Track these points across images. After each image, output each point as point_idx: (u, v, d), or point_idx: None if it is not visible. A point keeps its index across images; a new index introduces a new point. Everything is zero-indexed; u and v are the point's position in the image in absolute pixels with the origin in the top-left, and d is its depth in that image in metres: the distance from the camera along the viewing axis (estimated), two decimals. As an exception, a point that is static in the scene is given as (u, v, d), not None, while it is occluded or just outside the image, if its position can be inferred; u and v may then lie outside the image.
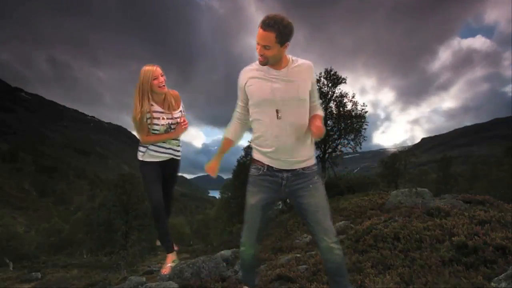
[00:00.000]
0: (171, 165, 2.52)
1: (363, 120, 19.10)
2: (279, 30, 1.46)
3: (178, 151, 2.54)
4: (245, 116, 1.82)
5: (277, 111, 1.62)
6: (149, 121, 2.26)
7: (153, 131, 2.32)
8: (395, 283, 2.52)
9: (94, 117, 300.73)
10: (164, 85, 2.23)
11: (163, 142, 2.38)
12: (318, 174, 1.78)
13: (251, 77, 1.69)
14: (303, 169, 1.72)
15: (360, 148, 19.86)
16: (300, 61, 1.67)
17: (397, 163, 27.07)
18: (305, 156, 1.72)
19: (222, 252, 6.79)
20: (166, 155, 2.43)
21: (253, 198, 1.79)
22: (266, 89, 1.64)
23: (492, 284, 2.16)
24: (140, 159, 2.42)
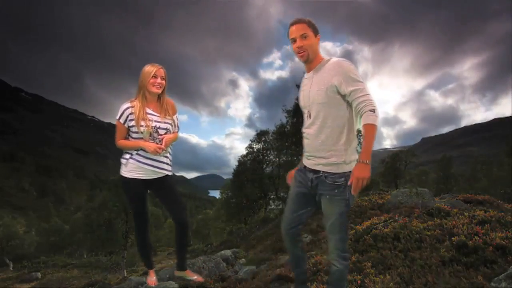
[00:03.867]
0: (162, 183, 2.19)
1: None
2: (308, 21, 1.66)
3: (166, 163, 2.20)
4: None
5: (308, 112, 1.75)
6: (131, 123, 2.04)
7: (133, 134, 2.08)
8: (395, 283, 2.51)
9: (94, 117, 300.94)
10: (158, 87, 2.06)
11: (146, 151, 2.08)
12: (341, 186, 1.65)
13: (301, 84, 1.87)
14: (325, 176, 1.68)
15: (361, 148, 19.89)
16: (330, 60, 1.69)
17: (397, 163, 27.09)
18: (330, 159, 1.66)
19: (222, 252, 6.80)
20: (151, 169, 2.11)
21: (291, 190, 1.91)
22: (302, 94, 1.82)
23: (492, 284, 2.16)
24: (122, 173, 2.14)
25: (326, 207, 1.71)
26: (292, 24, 1.66)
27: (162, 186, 2.21)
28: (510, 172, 20.07)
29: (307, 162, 1.79)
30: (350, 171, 1.64)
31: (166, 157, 2.19)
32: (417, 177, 29.90)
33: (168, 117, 2.16)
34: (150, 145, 2.02)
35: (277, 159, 19.66)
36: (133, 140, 2.10)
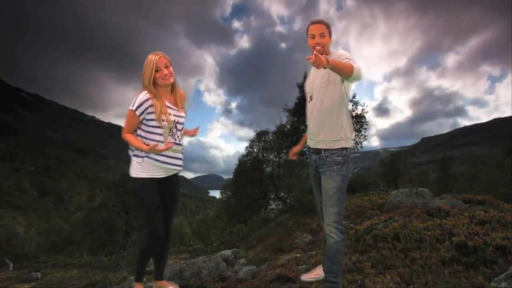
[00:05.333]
0: (172, 181, 2.01)
1: (363, 120, 19.11)
2: (326, 23, 1.95)
3: (181, 159, 2.03)
4: None
5: (310, 97, 2.00)
6: (148, 116, 1.84)
7: (148, 128, 1.88)
8: (395, 283, 2.51)
9: (94, 117, 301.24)
10: (168, 77, 1.88)
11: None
12: (339, 164, 1.89)
13: (309, 73, 2.11)
14: (326, 155, 1.92)
15: (361, 147, 19.86)
16: (335, 52, 1.96)
17: (397, 163, 27.08)
18: (329, 137, 1.90)
19: (222, 252, 6.80)
20: (171, 167, 1.94)
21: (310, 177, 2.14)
22: (308, 81, 2.06)
23: (492, 284, 2.15)
24: (135, 175, 1.89)
25: (325, 182, 1.92)
26: (313, 23, 1.95)
27: (171, 187, 2.03)
28: (510, 172, 20.05)
29: (310, 143, 2.04)
30: (347, 147, 1.91)
31: (182, 152, 2.04)
32: (417, 177, 29.90)
33: (182, 110, 2.02)
34: (145, 148, 1.80)
35: (277, 159, 19.66)
36: (140, 138, 1.89)
